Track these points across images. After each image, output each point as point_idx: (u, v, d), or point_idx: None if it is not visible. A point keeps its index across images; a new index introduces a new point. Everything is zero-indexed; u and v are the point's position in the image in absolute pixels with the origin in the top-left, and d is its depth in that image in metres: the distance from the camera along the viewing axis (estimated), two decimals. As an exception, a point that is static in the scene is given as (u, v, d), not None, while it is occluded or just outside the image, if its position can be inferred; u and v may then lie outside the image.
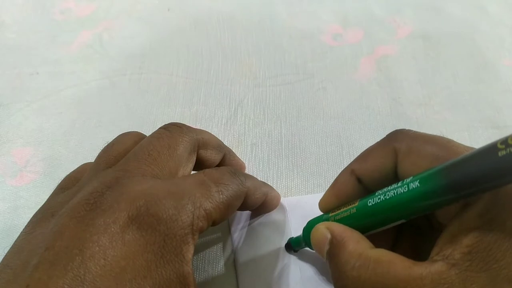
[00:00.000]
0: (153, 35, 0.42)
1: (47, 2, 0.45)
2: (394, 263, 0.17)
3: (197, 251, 0.27)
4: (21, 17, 0.44)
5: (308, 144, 0.32)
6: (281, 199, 0.28)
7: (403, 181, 0.19)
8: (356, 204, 0.21)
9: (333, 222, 0.21)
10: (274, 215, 0.27)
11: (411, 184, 0.18)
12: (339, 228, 0.20)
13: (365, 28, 0.41)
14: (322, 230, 0.20)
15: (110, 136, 0.24)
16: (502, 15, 0.42)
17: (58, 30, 0.42)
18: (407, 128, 0.21)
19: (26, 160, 0.32)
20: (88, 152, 0.33)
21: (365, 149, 0.22)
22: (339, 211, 0.22)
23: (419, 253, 0.19)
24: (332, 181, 0.23)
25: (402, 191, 0.18)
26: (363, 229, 0.20)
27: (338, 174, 0.23)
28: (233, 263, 0.26)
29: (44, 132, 0.34)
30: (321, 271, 0.25)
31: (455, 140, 0.19)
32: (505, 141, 0.15)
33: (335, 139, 0.33)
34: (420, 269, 0.16)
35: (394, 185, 0.19)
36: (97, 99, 0.36)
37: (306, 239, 0.23)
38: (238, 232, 0.27)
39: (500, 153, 0.15)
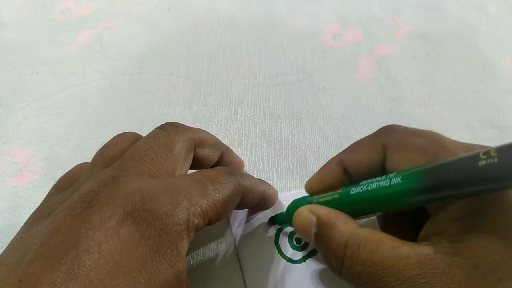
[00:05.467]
0: (153, 35, 0.42)
1: (47, 2, 0.45)
2: (383, 241, 0.18)
3: (198, 249, 0.27)
4: (21, 17, 0.44)
5: (308, 144, 0.32)
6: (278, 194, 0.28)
7: (387, 175, 0.19)
8: (340, 190, 0.21)
9: (316, 205, 0.22)
10: (272, 209, 0.27)
11: (394, 179, 0.19)
12: (324, 210, 0.20)
13: (365, 28, 0.41)
14: (306, 214, 0.21)
15: (110, 136, 0.24)
16: (502, 15, 0.42)
17: (58, 30, 0.42)
18: (397, 124, 0.22)
19: (26, 160, 0.32)
20: (88, 152, 0.33)
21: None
22: (323, 194, 0.22)
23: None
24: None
25: (384, 184, 0.19)
26: None
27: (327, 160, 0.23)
28: (236, 259, 0.26)
29: (44, 132, 0.34)
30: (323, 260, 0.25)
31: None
32: (487, 152, 0.15)
33: (335, 139, 0.33)
34: (407, 249, 0.17)
35: (378, 178, 0.19)
36: (97, 99, 0.36)
37: (290, 218, 0.23)
38: (237, 229, 0.27)
39: (480, 163, 0.15)
